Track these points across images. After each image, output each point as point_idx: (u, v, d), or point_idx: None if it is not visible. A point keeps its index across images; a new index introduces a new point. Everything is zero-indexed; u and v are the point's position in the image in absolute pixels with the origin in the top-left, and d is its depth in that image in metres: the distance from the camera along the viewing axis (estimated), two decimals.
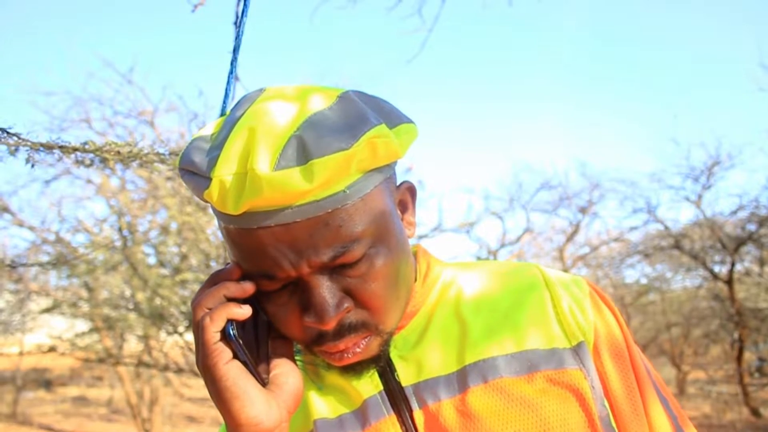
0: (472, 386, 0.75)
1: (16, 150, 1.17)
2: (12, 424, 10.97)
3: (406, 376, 0.78)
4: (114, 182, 7.51)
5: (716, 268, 8.78)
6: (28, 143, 1.15)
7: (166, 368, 7.87)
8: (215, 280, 0.72)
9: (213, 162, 0.66)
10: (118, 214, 7.25)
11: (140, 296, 6.80)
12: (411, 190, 0.82)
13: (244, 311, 0.69)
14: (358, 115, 0.68)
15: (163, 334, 7.58)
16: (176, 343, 7.59)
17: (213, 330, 0.68)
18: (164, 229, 7.01)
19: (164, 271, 7.03)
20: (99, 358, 8.47)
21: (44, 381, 15.52)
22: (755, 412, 8.10)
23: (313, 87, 0.74)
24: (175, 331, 7.06)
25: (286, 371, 0.73)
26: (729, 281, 8.05)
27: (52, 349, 8.40)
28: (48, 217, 7.69)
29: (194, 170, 0.68)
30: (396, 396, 0.78)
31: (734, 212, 8.29)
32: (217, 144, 0.68)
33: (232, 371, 0.68)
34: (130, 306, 7.17)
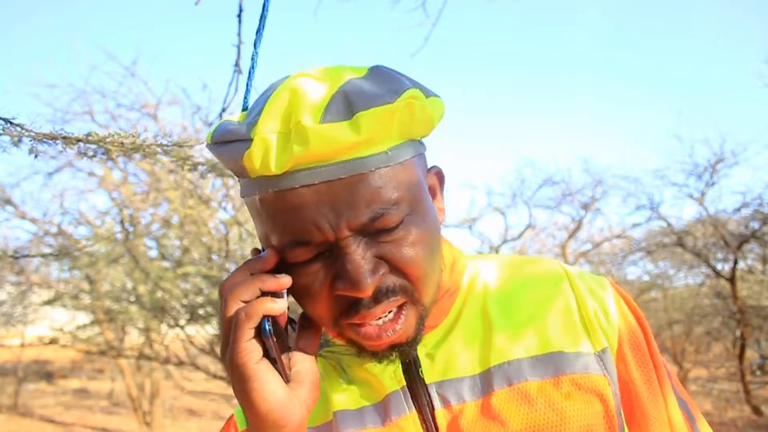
0: (497, 389, 0.75)
1: (20, 141, 1.16)
2: (13, 415, 10.99)
3: (430, 373, 0.77)
4: (116, 175, 7.51)
5: (719, 266, 8.76)
6: (32, 134, 1.14)
7: (167, 361, 7.88)
8: (251, 269, 0.70)
9: (252, 124, 0.66)
10: (120, 207, 7.25)
11: (142, 289, 6.81)
12: (440, 176, 0.81)
13: (281, 306, 0.68)
14: (394, 78, 0.69)
15: (164, 327, 7.58)
16: (177, 336, 7.60)
17: (248, 327, 0.66)
18: (166, 222, 7.01)
19: (166, 264, 7.03)
20: (100, 350, 8.49)
21: (45, 373, 15.55)
22: (756, 410, 8.10)
23: (341, 65, 0.74)
24: (177, 325, 7.06)
25: (306, 368, 0.71)
26: (731, 279, 8.04)
27: (53, 341, 8.41)
28: (50, 209, 7.70)
29: (230, 138, 0.68)
30: (419, 393, 0.77)
31: (737, 210, 8.26)
32: (254, 113, 0.68)
33: (262, 371, 0.67)
34: (132, 299, 7.17)
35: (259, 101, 0.70)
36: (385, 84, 0.68)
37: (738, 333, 8.45)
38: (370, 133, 0.64)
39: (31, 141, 1.15)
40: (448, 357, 0.78)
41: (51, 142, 1.17)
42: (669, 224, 9.06)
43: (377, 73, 0.70)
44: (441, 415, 0.75)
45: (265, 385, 0.66)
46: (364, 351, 0.74)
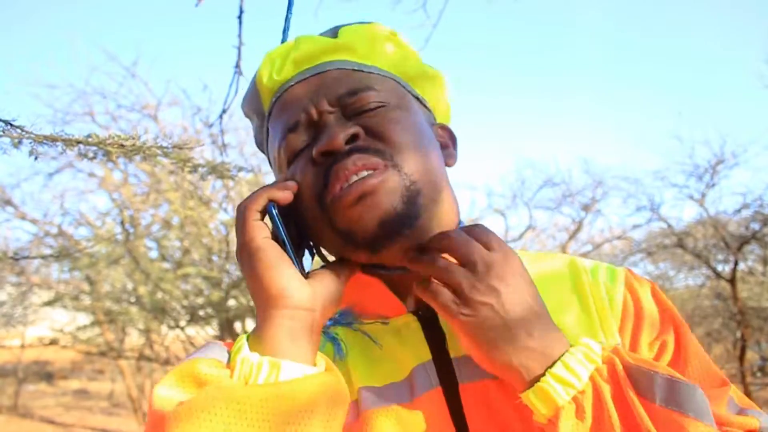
0: None
1: (20, 142, 1.16)
2: (13, 416, 10.99)
3: (455, 347, 0.77)
4: (117, 176, 7.52)
5: (719, 267, 8.75)
6: (32, 135, 1.14)
7: (167, 362, 7.88)
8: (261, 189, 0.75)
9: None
10: (120, 208, 7.26)
11: (142, 290, 6.81)
12: (449, 132, 0.88)
13: (285, 194, 0.72)
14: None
15: (164, 328, 7.59)
16: (177, 337, 7.60)
17: (254, 208, 0.70)
18: (166, 223, 7.01)
19: (166, 265, 7.04)
20: (100, 351, 8.50)
21: (45, 374, 15.55)
22: None
23: None
24: (177, 325, 7.07)
25: (324, 275, 0.72)
26: (732, 280, 8.03)
27: (53, 342, 8.42)
28: (50, 210, 7.70)
29: (251, 87, 0.88)
30: (444, 368, 0.76)
31: (738, 211, 8.26)
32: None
33: (270, 245, 0.69)
34: (132, 300, 7.18)
35: None
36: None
37: (738, 334, 8.45)
38: (350, 40, 0.82)
39: (31, 143, 1.16)
40: None
41: (51, 143, 1.17)
42: (669, 225, 9.06)
43: None
44: (465, 390, 0.74)
45: (273, 256, 0.68)
46: (354, 238, 0.72)
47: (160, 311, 6.72)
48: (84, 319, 8.54)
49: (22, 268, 7.80)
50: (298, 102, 0.78)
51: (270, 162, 0.87)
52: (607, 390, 0.65)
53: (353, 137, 0.73)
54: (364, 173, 0.70)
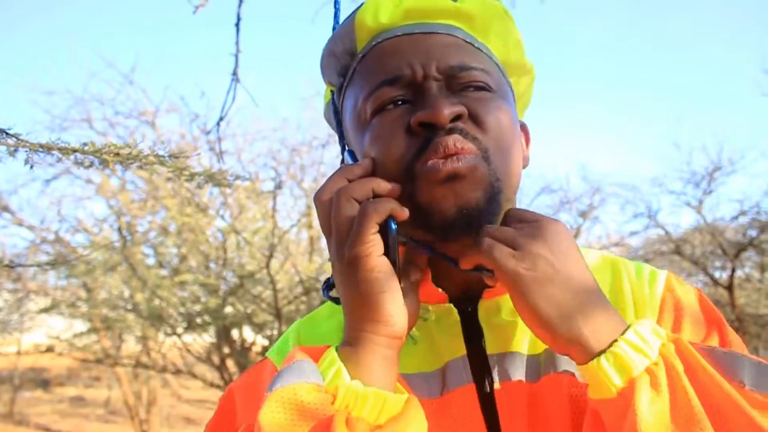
0: (545, 375, 0.73)
1: (15, 151, 1.16)
2: (9, 423, 10.94)
3: (491, 344, 0.75)
4: (114, 182, 7.51)
5: (717, 274, 8.76)
6: (27, 144, 1.14)
7: (164, 369, 7.86)
8: (347, 174, 0.71)
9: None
10: (117, 215, 7.25)
11: (139, 297, 6.79)
12: (526, 131, 0.87)
13: (405, 212, 0.68)
14: None
15: (161, 335, 7.57)
16: (174, 345, 7.57)
17: (375, 220, 0.66)
18: (164, 230, 7.00)
19: (163, 272, 7.02)
20: (97, 358, 8.46)
21: (42, 381, 15.49)
22: None
23: None
24: (174, 333, 7.04)
25: (408, 296, 0.70)
26: (729, 287, 8.03)
27: (49, 349, 8.38)
28: (47, 216, 7.68)
29: (340, 26, 0.81)
30: (479, 364, 0.74)
31: (735, 218, 8.27)
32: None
33: (385, 265, 0.66)
34: (129, 307, 7.15)
35: None
36: None
37: None
38: (471, 9, 0.77)
39: (27, 151, 1.15)
40: (512, 330, 0.76)
41: (47, 152, 1.16)
42: (667, 232, 9.07)
43: None
44: (499, 390, 0.73)
45: (387, 280, 0.65)
46: (429, 220, 0.70)
47: (157, 318, 6.70)
48: (81, 326, 8.52)
49: (18, 275, 7.77)
50: (404, 56, 0.74)
51: (336, 103, 0.84)
52: (679, 365, 0.60)
53: (457, 117, 0.70)
54: (460, 159, 0.68)
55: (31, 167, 1.19)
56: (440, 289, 0.77)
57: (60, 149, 1.16)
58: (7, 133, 1.11)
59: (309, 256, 7.30)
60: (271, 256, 5.77)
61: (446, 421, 0.72)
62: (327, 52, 0.83)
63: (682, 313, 0.76)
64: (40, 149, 1.15)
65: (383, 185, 0.69)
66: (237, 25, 1.98)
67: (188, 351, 7.31)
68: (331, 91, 0.86)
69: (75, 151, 1.18)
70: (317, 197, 0.71)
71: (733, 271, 8.05)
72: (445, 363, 0.75)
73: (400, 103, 0.73)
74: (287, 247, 6.71)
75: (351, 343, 0.66)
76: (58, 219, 7.58)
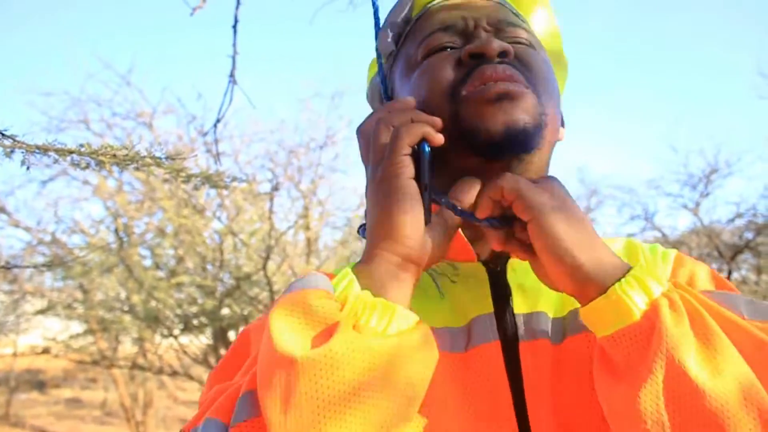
0: (569, 336, 0.73)
1: (12, 152, 1.15)
2: (5, 425, 10.91)
3: (518, 304, 0.75)
4: (111, 184, 7.49)
5: None
6: (24, 145, 1.13)
7: (160, 371, 7.84)
8: (391, 106, 0.73)
9: None
10: (114, 216, 7.24)
11: (135, 298, 6.78)
12: (562, 121, 0.88)
13: (439, 138, 0.69)
14: None
15: (158, 337, 7.55)
16: (171, 346, 7.57)
17: (407, 141, 0.67)
18: (160, 232, 7.00)
19: (160, 274, 7.01)
20: (93, 360, 8.44)
21: (38, 382, 15.45)
22: None
23: None
24: (170, 334, 7.04)
25: (437, 230, 0.69)
26: None
27: (46, 350, 8.36)
28: (44, 217, 7.67)
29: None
30: (505, 322, 0.74)
31: (732, 220, 8.30)
32: None
33: (411, 187, 0.66)
34: (126, 308, 7.14)
35: None
36: None
37: None
38: None
39: (23, 152, 1.15)
40: (539, 291, 0.76)
41: (43, 153, 1.16)
42: (664, 234, 9.09)
43: None
44: (525, 348, 0.72)
45: (413, 201, 0.65)
46: (475, 141, 0.72)
47: (153, 320, 6.69)
48: (77, 327, 8.50)
49: (15, 276, 7.75)
50: (456, 11, 0.79)
51: (386, 71, 0.86)
52: (688, 293, 0.63)
53: (505, 53, 0.74)
54: (509, 84, 0.71)
55: (28, 168, 1.19)
56: (471, 246, 0.77)
57: (56, 150, 1.16)
58: (3, 135, 1.11)
59: (306, 257, 7.29)
60: (267, 258, 5.77)
61: (469, 375, 0.72)
62: (386, 24, 0.86)
63: (693, 284, 0.78)
64: (37, 151, 1.15)
65: (422, 115, 0.70)
66: (234, 27, 1.98)
67: (185, 353, 7.30)
68: (380, 64, 0.86)
69: (71, 152, 1.18)
70: (359, 130, 0.74)
71: (730, 273, 8.06)
72: (471, 319, 0.75)
73: (450, 49, 0.77)
74: (284, 248, 6.71)
75: (365, 260, 0.66)
76: (54, 220, 7.57)
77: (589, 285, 0.64)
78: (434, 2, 0.83)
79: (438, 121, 0.70)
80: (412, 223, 0.65)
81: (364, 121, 0.74)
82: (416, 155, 0.67)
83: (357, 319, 0.59)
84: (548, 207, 0.65)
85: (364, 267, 0.65)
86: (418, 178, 0.67)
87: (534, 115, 0.72)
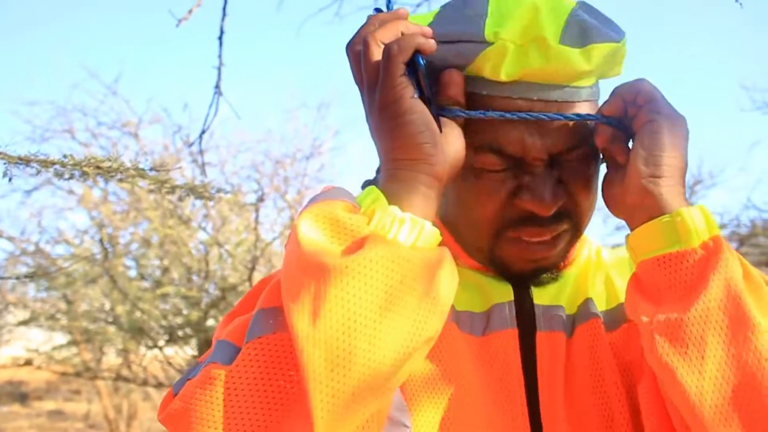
0: (578, 325, 0.76)
1: None
2: None
3: (540, 295, 0.78)
4: (96, 194, 7.43)
5: None
6: (5, 156, 1.13)
7: (145, 383, 7.77)
8: (380, 18, 0.68)
9: (483, 28, 0.68)
10: (99, 226, 7.17)
11: (120, 309, 6.72)
12: None
13: (432, 44, 0.65)
14: (609, 19, 0.74)
15: (142, 348, 7.49)
16: (156, 357, 7.50)
17: (401, 59, 0.63)
18: (146, 242, 6.95)
19: (145, 284, 6.96)
20: (76, 371, 8.35)
21: (19, 394, 15.25)
22: None
23: None
24: (155, 345, 6.98)
25: (452, 137, 0.67)
26: None
27: (28, 362, 8.26)
28: (27, 227, 7.58)
29: (459, 38, 0.69)
30: (524, 311, 0.76)
31: None
32: (479, 16, 0.69)
33: (419, 106, 0.64)
34: (110, 319, 7.08)
35: (479, 3, 0.71)
36: (606, 23, 0.72)
37: None
38: (597, 65, 0.69)
39: (5, 164, 1.14)
40: (560, 288, 0.79)
41: (26, 165, 1.15)
42: None
43: (591, 9, 0.73)
44: (541, 339, 0.75)
45: (424, 119, 0.63)
46: (504, 270, 0.76)
47: (138, 331, 6.64)
48: (60, 338, 8.41)
49: None
50: (516, 126, 0.68)
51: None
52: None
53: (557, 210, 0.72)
54: (549, 246, 0.73)
55: (10, 180, 1.18)
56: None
57: (39, 162, 1.16)
58: None
59: None
60: (253, 269, 5.75)
61: (485, 358, 0.73)
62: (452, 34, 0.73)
63: None
64: (19, 162, 1.14)
65: (412, 26, 0.67)
66: (220, 38, 1.99)
67: (170, 364, 7.23)
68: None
69: (54, 163, 1.17)
70: (348, 47, 0.69)
71: None
72: (491, 306, 0.76)
73: (504, 170, 0.71)
74: (270, 259, 6.69)
75: (390, 180, 0.64)
76: (38, 230, 7.49)
77: (660, 198, 0.67)
78: (488, 88, 0.69)
79: (428, 30, 0.67)
80: (432, 140, 0.64)
81: (353, 37, 0.69)
82: (412, 69, 0.65)
83: (386, 233, 0.59)
84: (671, 120, 0.68)
85: (390, 186, 0.64)
86: (418, 92, 0.65)
87: (566, 249, 0.76)
